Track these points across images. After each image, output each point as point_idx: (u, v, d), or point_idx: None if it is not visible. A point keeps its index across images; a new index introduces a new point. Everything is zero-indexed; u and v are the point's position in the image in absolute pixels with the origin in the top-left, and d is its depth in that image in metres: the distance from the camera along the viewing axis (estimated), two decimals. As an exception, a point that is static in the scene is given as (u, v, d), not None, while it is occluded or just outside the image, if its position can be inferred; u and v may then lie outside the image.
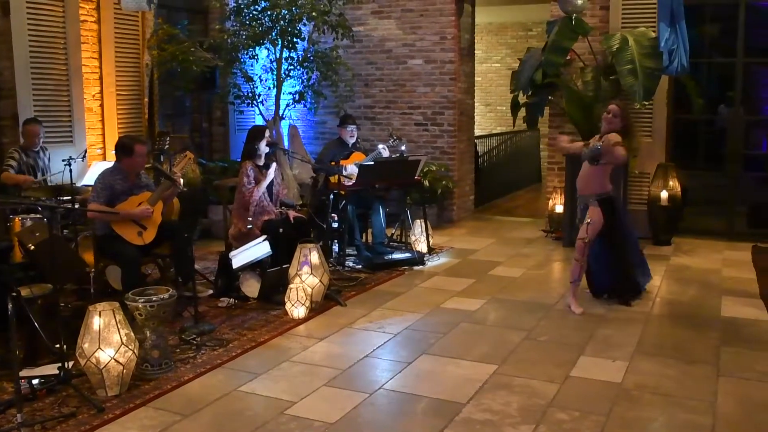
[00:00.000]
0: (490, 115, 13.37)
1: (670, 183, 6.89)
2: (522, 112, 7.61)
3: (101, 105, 6.92)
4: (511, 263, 6.33)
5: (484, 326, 4.63)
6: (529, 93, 7.33)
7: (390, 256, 6.26)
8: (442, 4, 7.99)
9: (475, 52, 9.13)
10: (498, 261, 6.39)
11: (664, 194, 6.83)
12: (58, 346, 3.73)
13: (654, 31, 6.49)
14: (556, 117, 7.66)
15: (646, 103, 6.65)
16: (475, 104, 9.89)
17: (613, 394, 3.52)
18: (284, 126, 8.13)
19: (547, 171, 7.96)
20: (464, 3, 8.11)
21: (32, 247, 3.57)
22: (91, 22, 6.72)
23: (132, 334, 3.60)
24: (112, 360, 3.45)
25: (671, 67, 6.27)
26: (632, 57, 6.34)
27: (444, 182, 7.91)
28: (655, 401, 3.45)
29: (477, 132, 10.51)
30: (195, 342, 4.24)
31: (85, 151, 6.28)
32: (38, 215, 4.71)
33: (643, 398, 3.48)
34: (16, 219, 4.74)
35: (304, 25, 7.44)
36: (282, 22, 7.22)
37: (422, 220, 6.62)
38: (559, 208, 7.25)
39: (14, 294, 3.19)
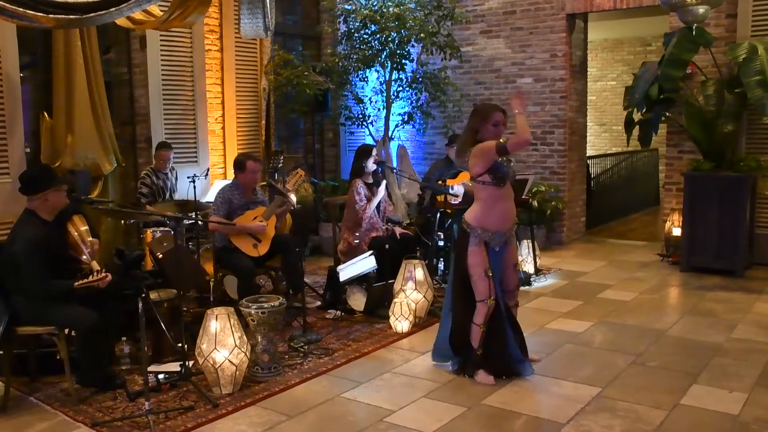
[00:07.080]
0: (605, 135, 12.96)
1: (808, 205, 6.33)
2: (636, 130, 7.30)
3: (223, 127, 7.41)
4: (622, 286, 6.08)
5: (590, 348, 4.49)
6: (644, 110, 7.02)
7: (495, 275, 6.20)
8: (553, 21, 7.88)
9: (589, 69, 8.91)
10: (608, 284, 6.17)
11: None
12: (180, 345, 4.05)
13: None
14: (674, 134, 7.30)
15: None
16: (589, 124, 9.63)
17: (727, 426, 3.30)
18: (393, 147, 8.30)
19: (664, 191, 7.58)
20: (576, 19, 7.98)
21: (161, 256, 3.90)
22: (215, 51, 7.25)
23: (245, 337, 3.84)
24: (227, 360, 3.69)
25: None
26: (762, 67, 5.85)
27: (553, 203, 7.75)
28: (778, 437, 3.20)
29: (590, 152, 10.23)
30: (302, 350, 4.43)
31: (208, 170, 6.74)
32: (166, 228, 5.13)
33: (764, 433, 3.25)
34: (148, 231, 5.21)
35: (413, 46, 7.60)
36: (391, 45, 7.42)
37: (529, 241, 6.52)
38: (677, 231, 6.89)
39: (144, 296, 3.51)
